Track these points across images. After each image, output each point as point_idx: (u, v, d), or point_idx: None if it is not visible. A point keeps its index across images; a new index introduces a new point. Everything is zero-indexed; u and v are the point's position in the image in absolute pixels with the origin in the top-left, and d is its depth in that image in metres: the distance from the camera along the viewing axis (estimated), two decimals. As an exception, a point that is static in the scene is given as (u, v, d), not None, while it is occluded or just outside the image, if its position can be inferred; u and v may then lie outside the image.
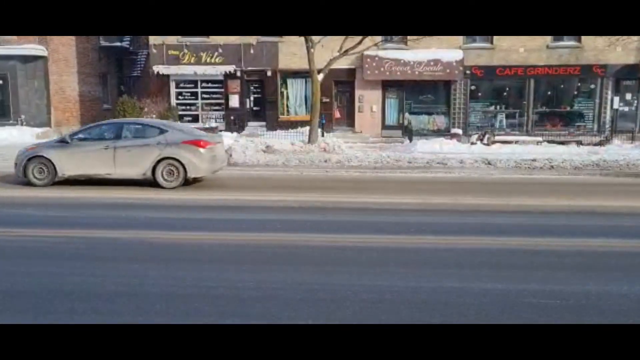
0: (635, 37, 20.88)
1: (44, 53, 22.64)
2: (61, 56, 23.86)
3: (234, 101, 24.29)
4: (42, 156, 10.86)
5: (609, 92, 23.07)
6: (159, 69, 23.80)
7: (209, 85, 24.48)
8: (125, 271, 5.45)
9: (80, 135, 11.26)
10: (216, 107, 24.65)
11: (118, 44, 27.89)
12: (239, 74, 23.90)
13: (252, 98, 24.58)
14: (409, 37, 22.23)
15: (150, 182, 10.78)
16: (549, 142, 20.78)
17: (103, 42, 27.09)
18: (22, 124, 22.52)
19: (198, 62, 23.80)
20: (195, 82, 24.46)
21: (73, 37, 24.57)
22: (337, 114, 24.19)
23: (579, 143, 20.59)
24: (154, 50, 24.03)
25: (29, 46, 22.40)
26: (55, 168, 10.81)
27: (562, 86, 23.63)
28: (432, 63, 22.66)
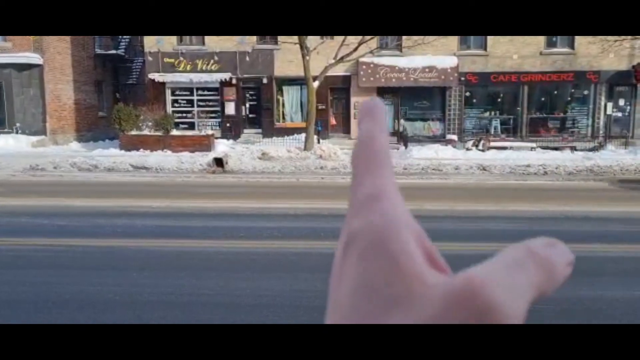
0: (627, 44, 21.05)
1: (40, 61, 22.64)
2: (57, 64, 23.86)
3: (230, 108, 24.32)
4: None
5: (602, 98, 23.23)
6: (155, 76, 23.83)
7: (205, 92, 24.51)
8: (122, 279, 5.47)
9: None
10: (212, 115, 24.68)
11: (113, 51, 27.92)
12: (234, 81, 23.94)
13: (248, 105, 24.63)
14: (404, 43, 22.37)
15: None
16: (543, 147, 20.92)
17: (98, 50, 27.11)
18: (17, 133, 22.48)
19: (194, 69, 23.85)
20: (191, 90, 24.49)
21: (69, 46, 24.58)
22: (333, 121, 24.26)
23: (573, 149, 20.73)
24: (150, 58, 24.07)
25: (24, 54, 22.40)
26: None
27: (555, 92, 23.78)
28: (427, 69, 22.77)
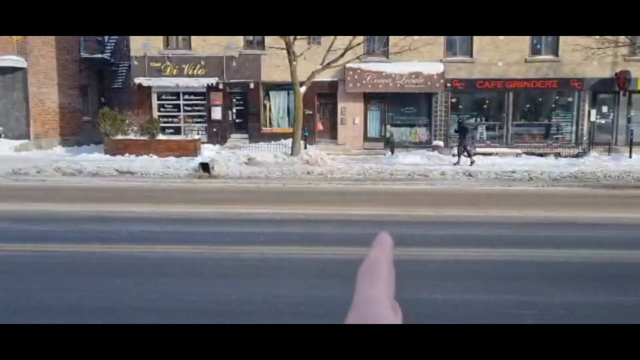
0: (610, 52, 21.34)
1: (24, 64, 22.36)
2: (41, 68, 23.57)
3: (217, 113, 24.22)
4: None
5: (586, 105, 23.51)
6: (141, 80, 23.66)
7: (191, 97, 24.39)
8: (106, 286, 5.39)
9: None
10: (198, 119, 24.55)
11: (99, 55, 27.65)
12: (221, 86, 23.86)
13: (234, 110, 24.54)
14: (390, 50, 22.44)
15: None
16: (528, 154, 21.11)
17: (84, 53, 26.84)
18: (0, 137, 22.16)
19: (180, 74, 23.72)
20: (177, 94, 24.34)
21: (53, 49, 24.30)
22: (320, 126, 24.27)
23: (558, 155, 20.94)
24: (136, 62, 23.91)
25: (8, 57, 22.11)
26: None
27: (540, 99, 24.03)
28: (413, 76, 22.88)
